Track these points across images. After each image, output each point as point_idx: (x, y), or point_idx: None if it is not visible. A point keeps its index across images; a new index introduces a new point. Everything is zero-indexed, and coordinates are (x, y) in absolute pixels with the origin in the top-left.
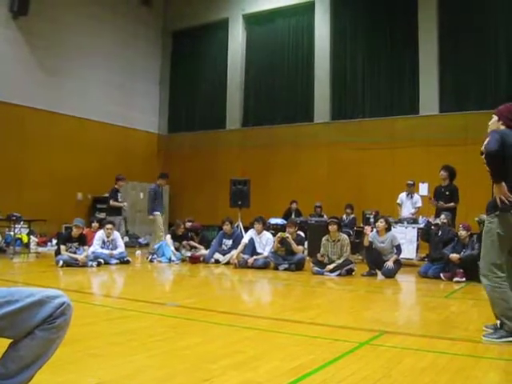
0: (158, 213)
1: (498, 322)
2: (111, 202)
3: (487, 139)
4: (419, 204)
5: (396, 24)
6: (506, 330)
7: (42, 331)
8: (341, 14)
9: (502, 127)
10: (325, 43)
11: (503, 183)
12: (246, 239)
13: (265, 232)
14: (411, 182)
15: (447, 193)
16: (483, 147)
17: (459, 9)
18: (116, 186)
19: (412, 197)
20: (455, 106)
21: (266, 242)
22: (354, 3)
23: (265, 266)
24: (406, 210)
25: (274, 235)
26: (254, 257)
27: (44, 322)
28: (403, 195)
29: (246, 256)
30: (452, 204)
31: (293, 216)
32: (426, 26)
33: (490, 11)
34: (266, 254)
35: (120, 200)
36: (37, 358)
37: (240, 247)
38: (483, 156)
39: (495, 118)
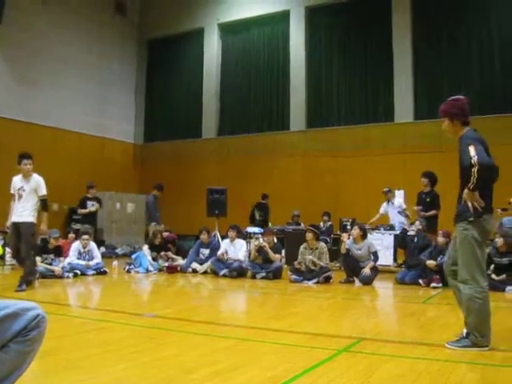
0: (153, 223)
1: (465, 330)
2: (79, 210)
3: (471, 150)
4: (404, 206)
5: (370, 33)
6: (471, 341)
7: (16, 344)
8: (316, 23)
9: (459, 126)
10: (300, 52)
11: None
12: (222, 250)
13: (238, 239)
14: (387, 189)
15: (428, 199)
16: (472, 161)
17: (433, 18)
18: (88, 195)
19: (393, 203)
20: (430, 113)
21: (239, 248)
22: (329, 12)
23: (240, 269)
24: (394, 216)
25: (248, 243)
26: (229, 261)
27: (18, 334)
28: (384, 205)
29: (221, 266)
30: (433, 212)
31: (256, 216)
32: (400, 34)
33: (462, 20)
34: (240, 258)
35: (89, 207)
36: (11, 372)
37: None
38: (475, 169)
39: (446, 120)
